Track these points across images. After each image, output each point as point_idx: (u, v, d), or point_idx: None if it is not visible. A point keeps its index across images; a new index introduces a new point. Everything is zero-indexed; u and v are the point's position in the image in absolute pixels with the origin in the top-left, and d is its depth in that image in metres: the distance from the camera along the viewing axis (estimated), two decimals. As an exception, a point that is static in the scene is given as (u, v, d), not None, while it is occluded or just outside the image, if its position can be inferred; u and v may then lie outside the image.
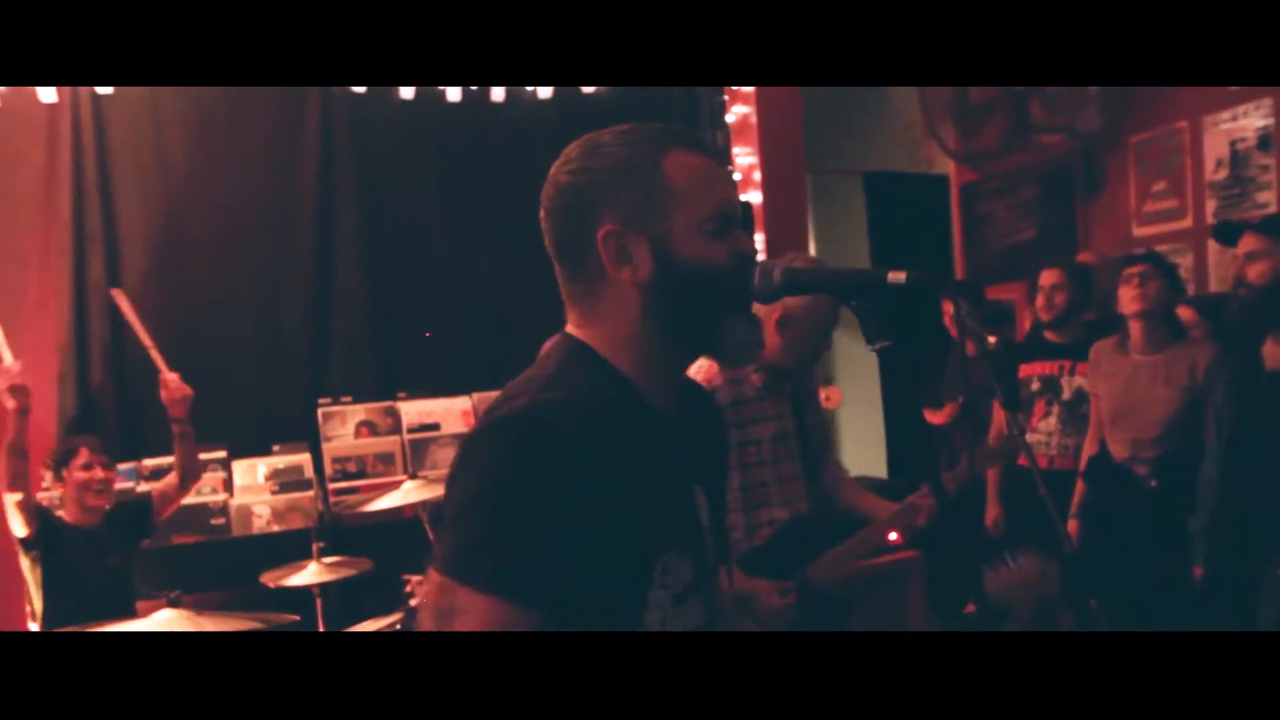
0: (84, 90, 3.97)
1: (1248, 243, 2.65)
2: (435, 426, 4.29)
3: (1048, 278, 3.56)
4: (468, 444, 1.07)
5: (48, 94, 3.92)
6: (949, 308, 4.04)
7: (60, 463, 3.21)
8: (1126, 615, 2.91)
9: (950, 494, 2.53)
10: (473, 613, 1.00)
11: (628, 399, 1.13)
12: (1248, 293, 2.61)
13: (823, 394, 2.71)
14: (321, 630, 3.20)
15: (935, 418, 4.34)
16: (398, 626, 2.96)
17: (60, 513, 3.24)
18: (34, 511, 3.07)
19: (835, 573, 2.48)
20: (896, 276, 1.09)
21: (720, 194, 1.13)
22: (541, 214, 1.17)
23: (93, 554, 3.18)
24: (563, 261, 1.16)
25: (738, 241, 1.13)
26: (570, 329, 1.17)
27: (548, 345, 1.20)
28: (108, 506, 3.29)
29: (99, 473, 3.21)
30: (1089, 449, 3.28)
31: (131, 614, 2.64)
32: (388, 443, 4.21)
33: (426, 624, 1.04)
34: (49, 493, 3.49)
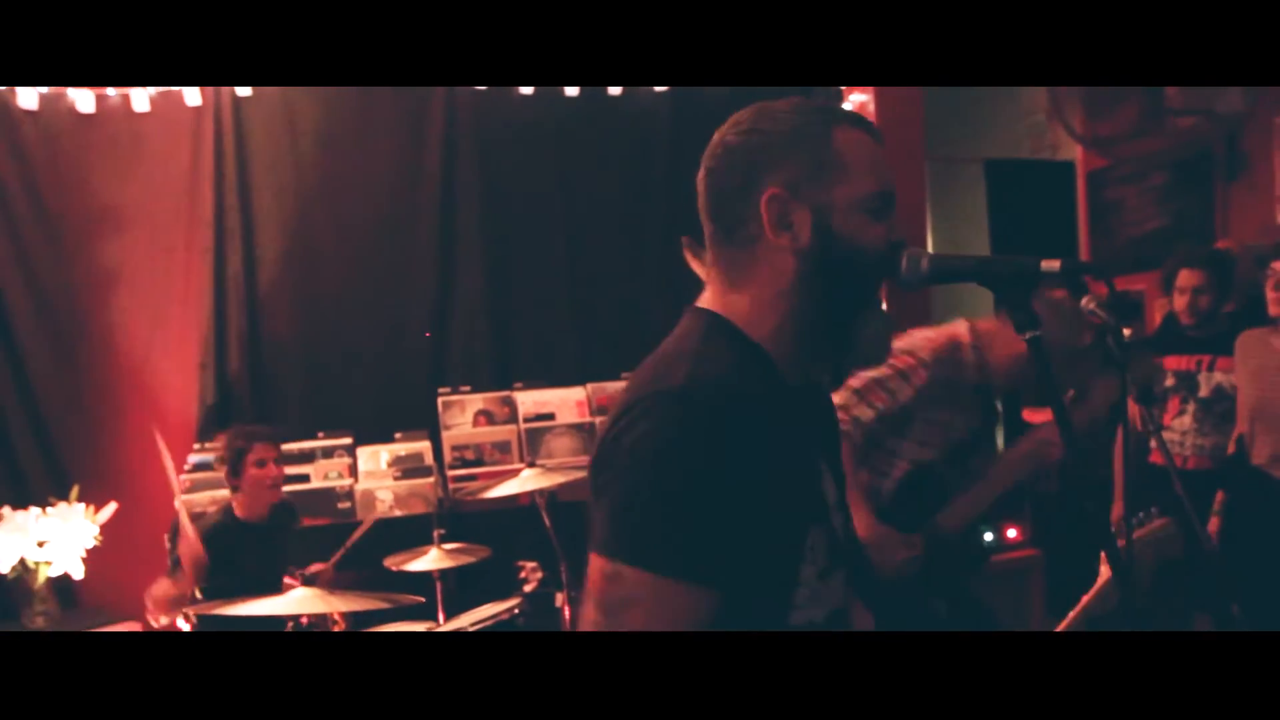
0: (225, 94, 4.19)
1: None
2: (550, 416, 4.38)
3: (1188, 279, 3.32)
4: (622, 423, 1.04)
5: (193, 97, 4.15)
6: (1054, 297, 3.86)
7: (235, 461, 3.24)
8: (1270, 621, 2.76)
9: (1082, 427, 2.41)
10: (653, 598, 0.98)
11: (766, 371, 1.12)
12: None
13: None
14: (441, 615, 3.30)
15: (1035, 416, 4.16)
16: (515, 611, 3.04)
17: (234, 506, 3.30)
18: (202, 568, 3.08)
19: (966, 518, 2.40)
20: (1050, 265, 1.06)
21: (883, 175, 1.13)
22: (701, 174, 1.16)
23: (256, 545, 3.27)
24: (718, 222, 1.15)
25: (891, 227, 1.13)
26: (704, 303, 1.16)
27: (682, 325, 1.18)
28: (279, 500, 3.37)
29: (272, 470, 3.23)
30: (1232, 448, 3.11)
31: (278, 591, 2.74)
32: (504, 431, 4.31)
33: (592, 616, 1.02)
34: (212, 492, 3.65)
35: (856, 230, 1.10)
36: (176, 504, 3.09)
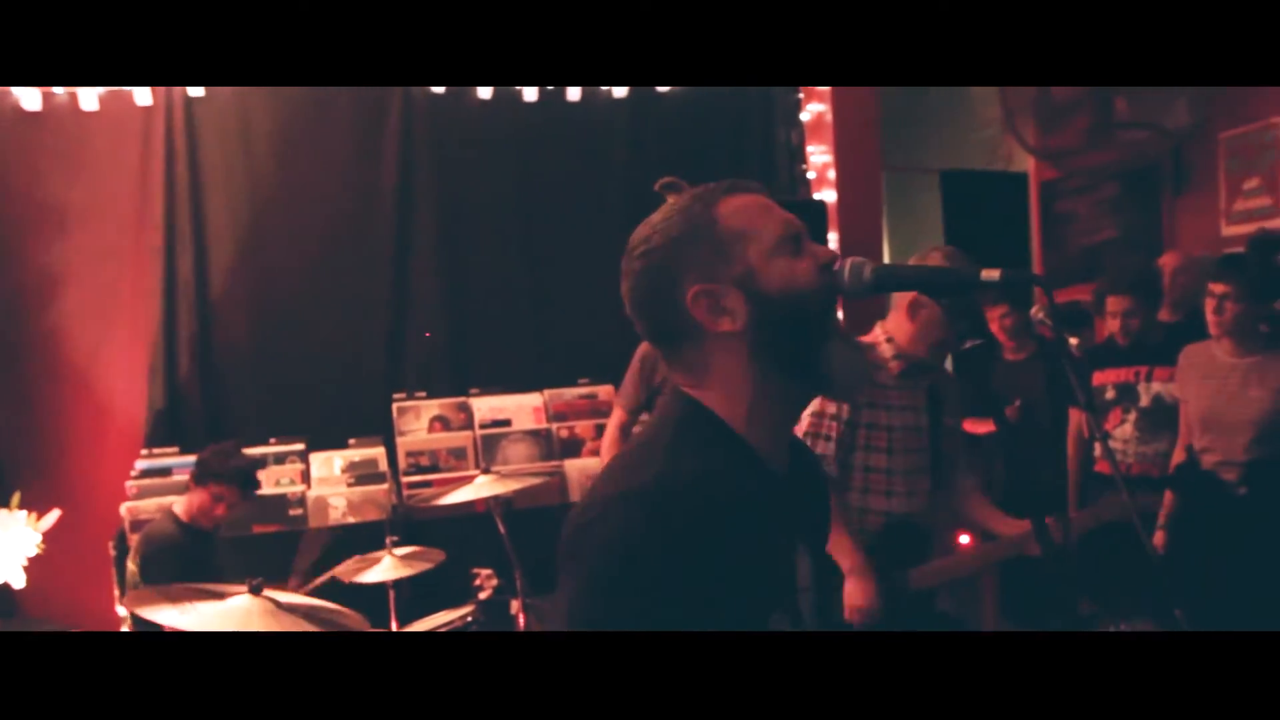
0: (177, 94, 4.12)
1: None
2: (506, 422, 4.35)
3: (1116, 304, 3.40)
4: (592, 514, 1.05)
5: (143, 97, 4.08)
6: (995, 312, 3.94)
7: (200, 479, 3.34)
8: (1215, 624, 2.81)
9: (1056, 541, 2.53)
10: None
11: (745, 463, 1.12)
12: None
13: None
14: (394, 623, 3.26)
15: (977, 428, 4.21)
16: (469, 619, 3.01)
17: (178, 509, 3.36)
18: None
19: (938, 580, 2.51)
20: (990, 274, 1.07)
21: (780, 217, 1.14)
22: (627, 309, 1.18)
23: (196, 546, 3.33)
24: (662, 340, 1.17)
25: (814, 253, 1.14)
26: (684, 389, 1.17)
27: (658, 407, 1.18)
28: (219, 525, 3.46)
29: (221, 512, 3.35)
30: (1178, 456, 3.17)
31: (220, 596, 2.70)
32: (460, 438, 4.28)
33: None
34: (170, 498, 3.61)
35: (785, 276, 1.11)
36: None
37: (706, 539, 1.00)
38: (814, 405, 2.52)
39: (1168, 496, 3.18)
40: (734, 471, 1.09)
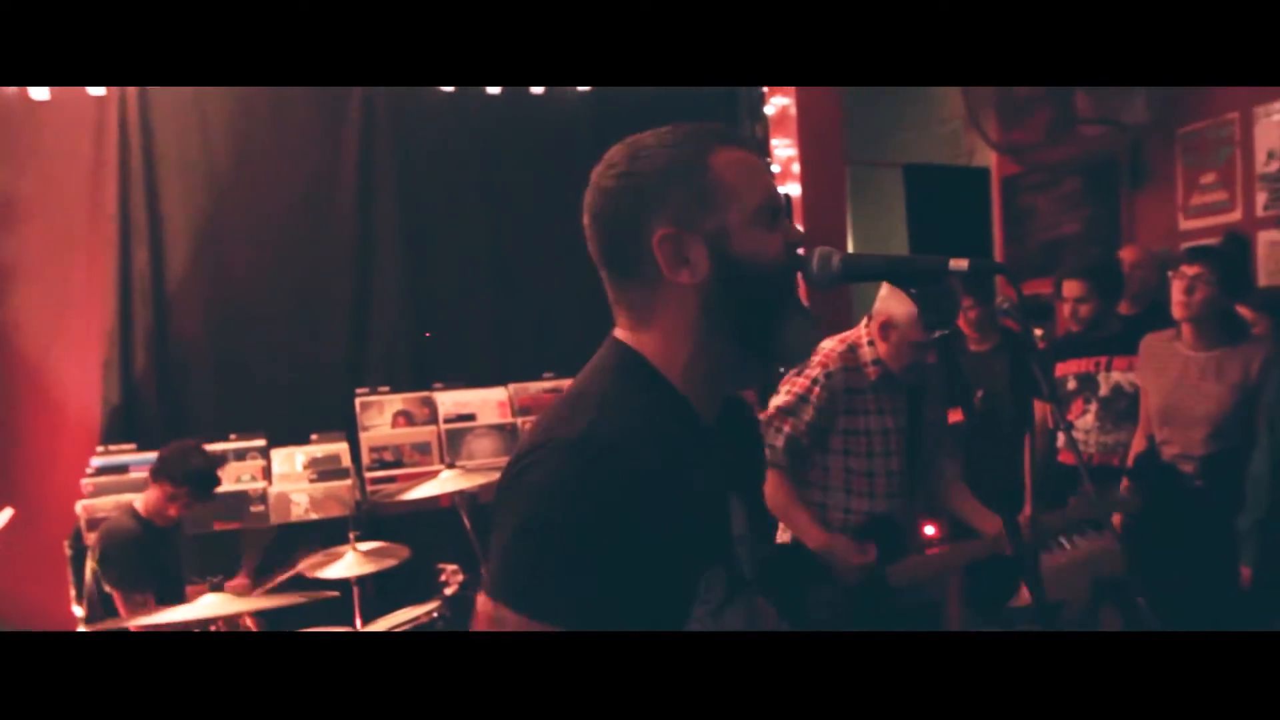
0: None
1: None
2: (471, 417, 4.32)
3: (1069, 289, 3.44)
4: (521, 466, 1.03)
5: (96, 87, 3.99)
6: (961, 304, 3.98)
7: (156, 475, 3.31)
8: (1173, 614, 2.86)
9: (1025, 540, 2.58)
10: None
11: (678, 413, 1.10)
12: None
13: None
14: (358, 619, 3.23)
15: (950, 416, 4.25)
16: (435, 614, 2.98)
17: (138, 505, 3.34)
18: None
19: (913, 577, 2.54)
20: (959, 264, 1.07)
21: (767, 184, 1.12)
22: (586, 220, 1.14)
23: (158, 543, 3.32)
24: (613, 268, 1.13)
25: (787, 231, 1.12)
26: (621, 334, 1.14)
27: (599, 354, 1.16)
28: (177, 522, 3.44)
29: (175, 509, 3.32)
30: (1138, 445, 3.21)
31: (181, 599, 2.69)
32: (424, 433, 4.24)
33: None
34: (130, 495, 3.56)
35: (754, 246, 1.09)
36: None
37: (638, 488, 0.99)
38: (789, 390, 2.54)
39: (1124, 484, 3.22)
40: (666, 422, 1.08)
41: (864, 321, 2.61)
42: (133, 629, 2.97)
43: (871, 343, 2.55)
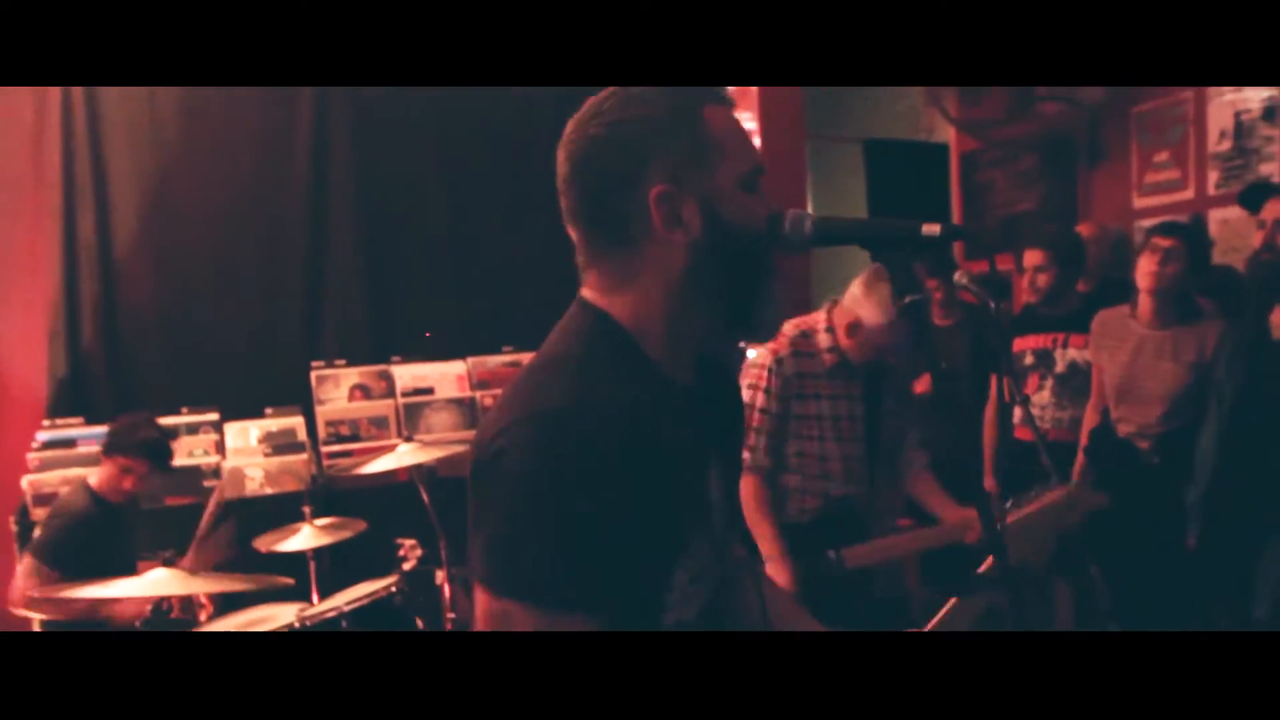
0: (73, 44, 3.90)
1: (1277, 207, 2.62)
2: (429, 390, 4.27)
3: (1031, 258, 3.49)
4: (501, 442, 0.99)
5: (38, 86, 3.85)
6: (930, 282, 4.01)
7: (109, 450, 3.23)
8: (1128, 590, 2.92)
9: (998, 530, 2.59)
10: (535, 629, 0.95)
11: (653, 378, 1.07)
12: (1275, 258, 2.58)
13: None
14: (315, 595, 3.20)
15: (916, 387, 4.29)
16: (393, 589, 2.96)
17: (92, 481, 3.26)
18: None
19: (873, 560, 2.55)
20: (931, 229, 1.06)
21: (753, 149, 1.10)
22: (564, 175, 1.08)
23: (111, 521, 3.24)
24: (595, 225, 1.08)
25: (764, 199, 1.10)
26: (589, 295, 1.10)
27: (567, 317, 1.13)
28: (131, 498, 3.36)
29: (129, 483, 3.23)
30: (1090, 420, 3.26)
31: (132, 571, 2.63)
32: (382, 406, 4.19)
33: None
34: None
35: (742, 210, 1.07)
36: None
37: (618, 462, 0.96)
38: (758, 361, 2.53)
39: (1079, 460, 3.27)
40: (642, 388, 1.04)
41: (825, 308, 2.60)
42: (27, 598, 2.92)
43: (830, 329, 2.55)
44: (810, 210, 5.50)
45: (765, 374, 2.51)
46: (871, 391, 2.60)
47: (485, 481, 1.00)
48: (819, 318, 2.59)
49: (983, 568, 1.36)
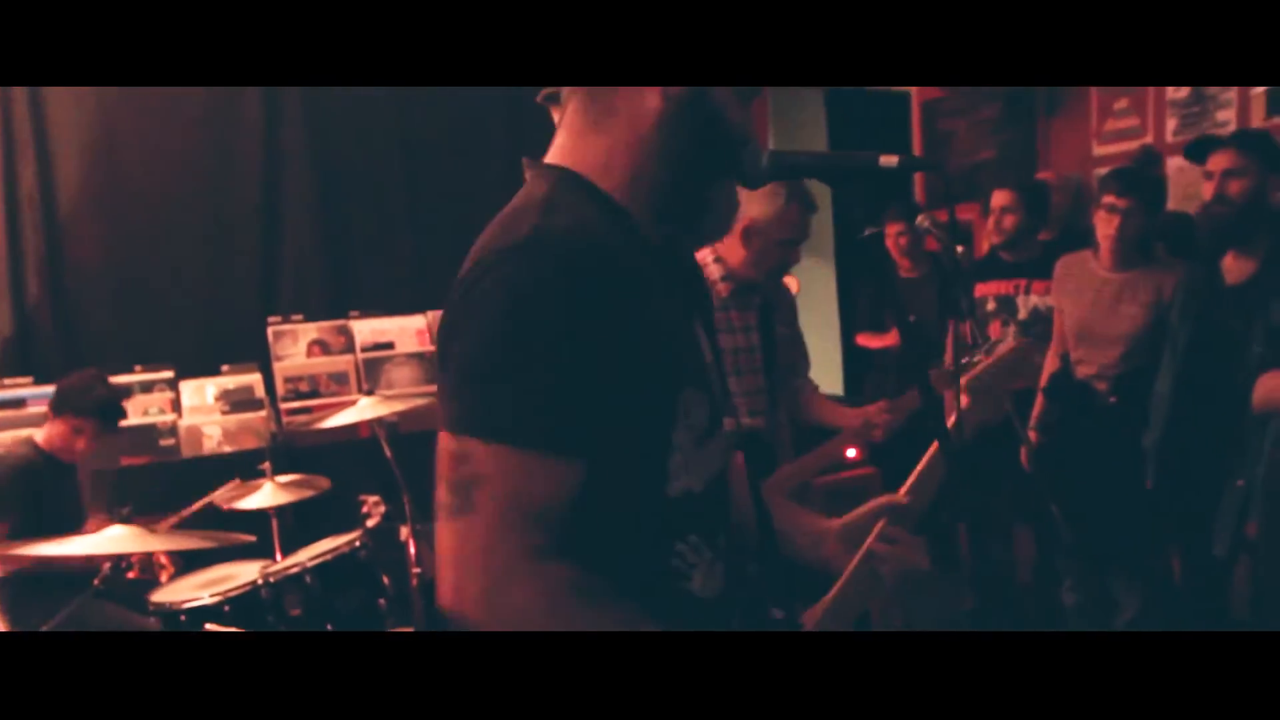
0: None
1: (1222, 159, 2.63)
2: (389, 345, 4.21)
3: (999, 199, 3.54)
4: (471, 281, 0.95)
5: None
6: (892, 230, 4.01)
7: (57, 409, 3.15)
8: (1085, 528, 2.97)
9: (906, 411, 2.57)
10: (507, 474, 0.90)
11: (624, 226, 1.05)
12: (1226, 209, 2.60)
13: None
14: (278, 552, 3.16)
15: (874, 341, 4.31)
16: (357, 544, 2.93)
17: (38, 438, 3.18)
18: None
19: (789, 486, 2.51)
20: (889, 160, 1.04)
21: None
22: None
23: (59, 478, 3.18)
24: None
25: (749, 120, 1.11)
26: (551, 158, 1.09)
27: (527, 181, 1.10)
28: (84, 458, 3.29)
29: (81, 443, 3.16)
30: (1050, 364, 3.30)
31: (81, 528, 2.59)
32: (341, 362, 4.12)
33: (443, 500, 0.93)
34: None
35: (726, 101, 1.07)
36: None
37: (597, 292, 0.93)
38: None
39: (1039, 401, 3.31)
40: (610, 225, 1.03)
41: (704, 249, 2.53)
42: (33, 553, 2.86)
43: (719, 259, 2.45)
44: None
45: None
46: (765, 321, 2.54)
47: (453, 326, 0.97)
48: (704, 254, 2.47)
49: (929, 453, 1.36)
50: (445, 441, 0.94)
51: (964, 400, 1.41)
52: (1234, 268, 2.67)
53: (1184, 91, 4.18)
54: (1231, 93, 4.01)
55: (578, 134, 1.07)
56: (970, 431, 1.39)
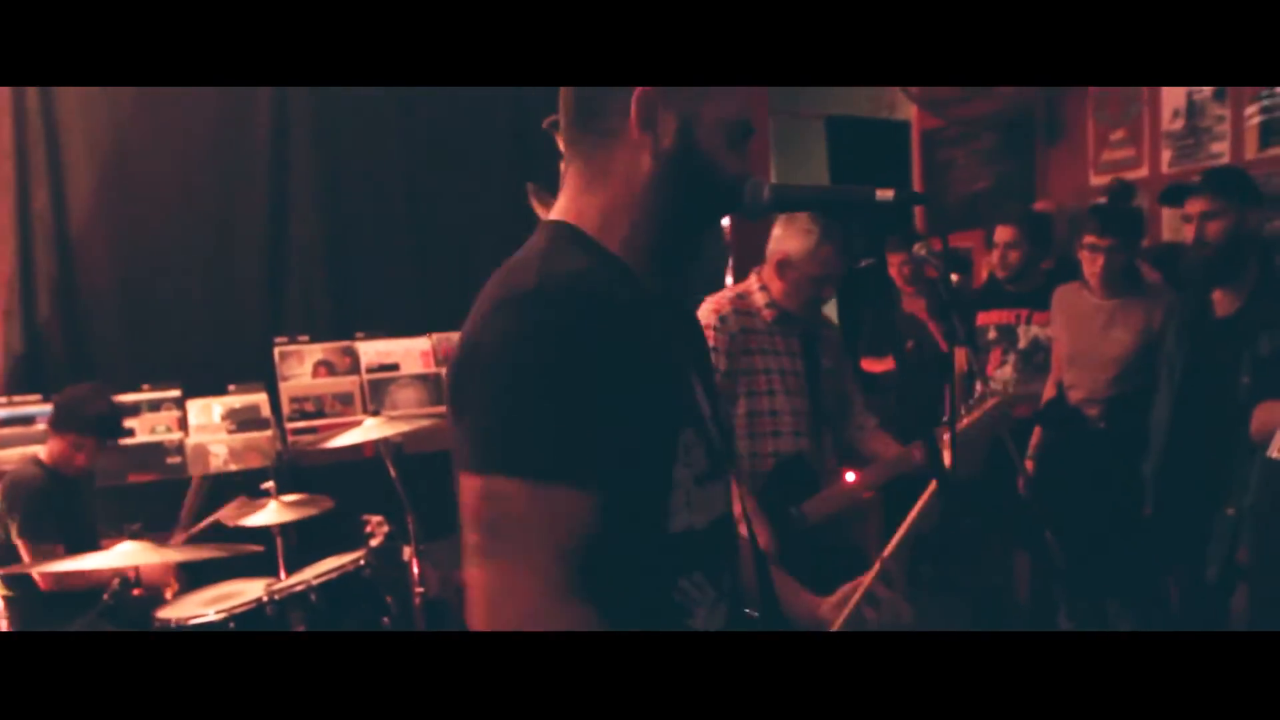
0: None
1: (1197, 204, 2.70)
2: (395, 367, 4.26)
3: (1002, 234, 3.58)
4: (479, 330, 1.01)
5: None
6: (894, 260, 4.07)
7: (56, 426, 3.21)
8: (1079, 550, 3.00)
9: (943, 453, 2.62)
10: (534, 508, 0.95)
11: (623, 276, 1.11)
12: (1207, 250, 2.66)
13: None
14: (282, 570, 3.19)
15: (875, 366, 4.37)
16: (360, 563, 2.96)
17: (42, 455, 3.24)
18: None
19: (828, 509, 2.57)
20: (885, 194, 1.09)
21: (747, 106, 1.14)
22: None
23: (69, 494, 3.23)
24: (579, 111, 1.13)
25: (744, 160, 1.15)
26: (554, 215, 1.15)
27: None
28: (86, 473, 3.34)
29: (82, 459, 3.22)
30: (1048, 392, 3.35)
31: (95, 547, 2.63)
32: (346, 383, 4.17)
33: (474, 540, 0.98)
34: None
35: (716, 149, 1.11)
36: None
37: (600, 335, 0.99)
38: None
39: (1036, 430, 3.35)
40: (609, 275, 1.08)
41: (753, 272, 2.65)
42: (41, 573, 2.90)
43: (764, 288, 2.59)
44: (774, 185, 5.50)
45: (711, 332, 2.50)
46: (809, 350, 2.63)
47: (465, 372, 1.02)
48: (750, 281, 2.63)
49: (928, 491, 1.40)
50: (469, 482, 0.99)
51: (947, 456, 1.46)
52: (1222, 301, 2.73)
53: (1179, 123, 4.25)
54: (1226, 125, 4.07)
55: (577, 194, 1.14)
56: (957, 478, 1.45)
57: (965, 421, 1.50)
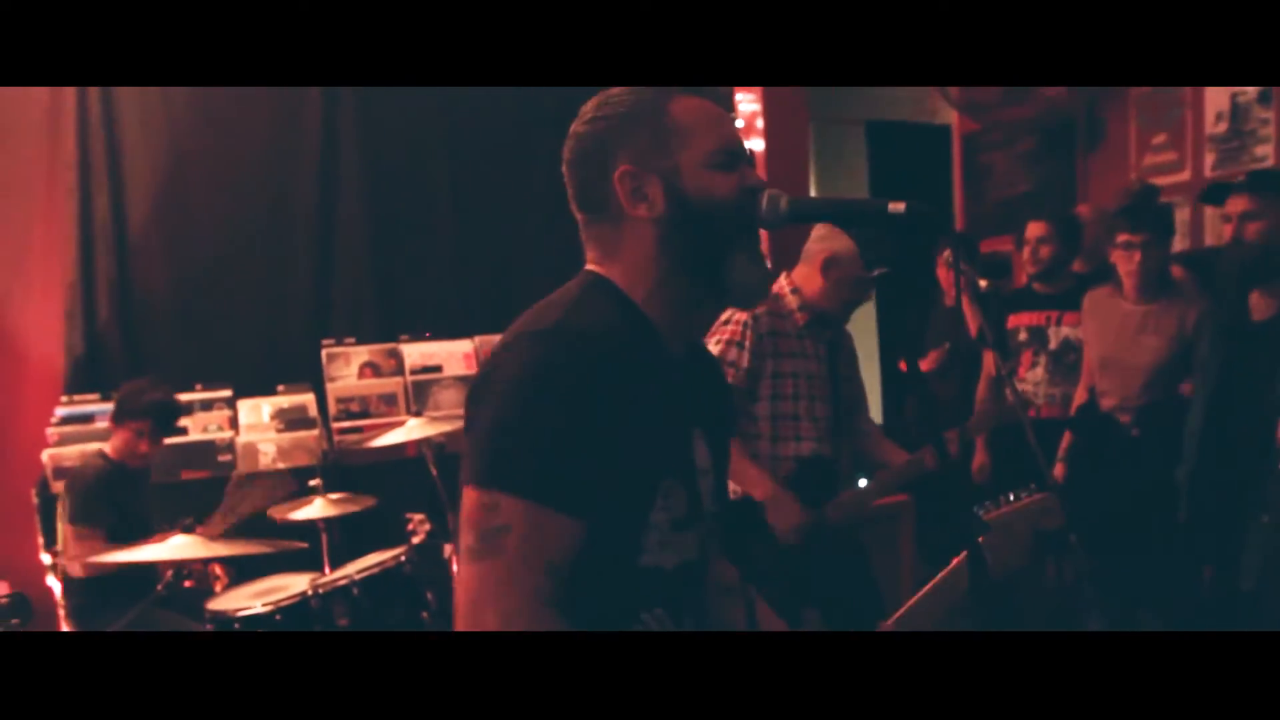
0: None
1: (1238, 203, 2.68)
2: (437, 369, 4.36)
3: (1033, 230, 3.59)
4: (498, 357, 1.12)
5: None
6: (941, 258, 4.08)
7: (118, 418, 3.37)
8: (1109, 557, 2.99)
9: (952, 455, 2.67)
10: (527, 525, 1.04)
11: (644, 332, 1.19)
12: (1245, 250, 2.64)
13: None
14: (326, 565, 3.29)
15: (926, 365, 4.37)
16: (402, 559, 3.05)
17: (107, 449, 3.40)
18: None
19: (849, 511, 2.62)
20: (896, 207, 1.13)
21: (724, 130, 1.21)
22: (564, 168, 1.24)
23: (132, 485, 3.39)
24: (585, 207, 1.23)
25: (744, 176, 1.20)
26: (591, 266, 1.24)
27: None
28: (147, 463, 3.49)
29: (144, 446, 3.37)
30: (1080, 397, 3.33)
31: (149, 536, 2.76)
32: (391, 384, 4.27)
33: (469, 544, 1.06)
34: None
35: (707, 186, 1.17)
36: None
37: (605, 384, 1.07)
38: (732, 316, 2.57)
39: (1067, 435, 3.34)
40: (632, 336, 1.16)
41: (782, 275, 2.68)
42: (85, 563, 3.03)
43: (795, 290, 2.62)
44: (813, 191, 5.57)
45: (741, 329, 2.53)
46: (832, 358, 2.68)
47: (480, 393, 1.12)
48: (780, 283, 2.65)
49: (955, 560, 1.41)
50: (472, 493, 1.08)
51: (986, 539, 1.46)
52: (1259, 305, 2.71)
53: (1223, 126, 4.21)
54: (1270, 128, 4.03)
55: (604, 253, 1.22)
56: (996, 573, 1.42)
57: (1009, 509, 1.49)
